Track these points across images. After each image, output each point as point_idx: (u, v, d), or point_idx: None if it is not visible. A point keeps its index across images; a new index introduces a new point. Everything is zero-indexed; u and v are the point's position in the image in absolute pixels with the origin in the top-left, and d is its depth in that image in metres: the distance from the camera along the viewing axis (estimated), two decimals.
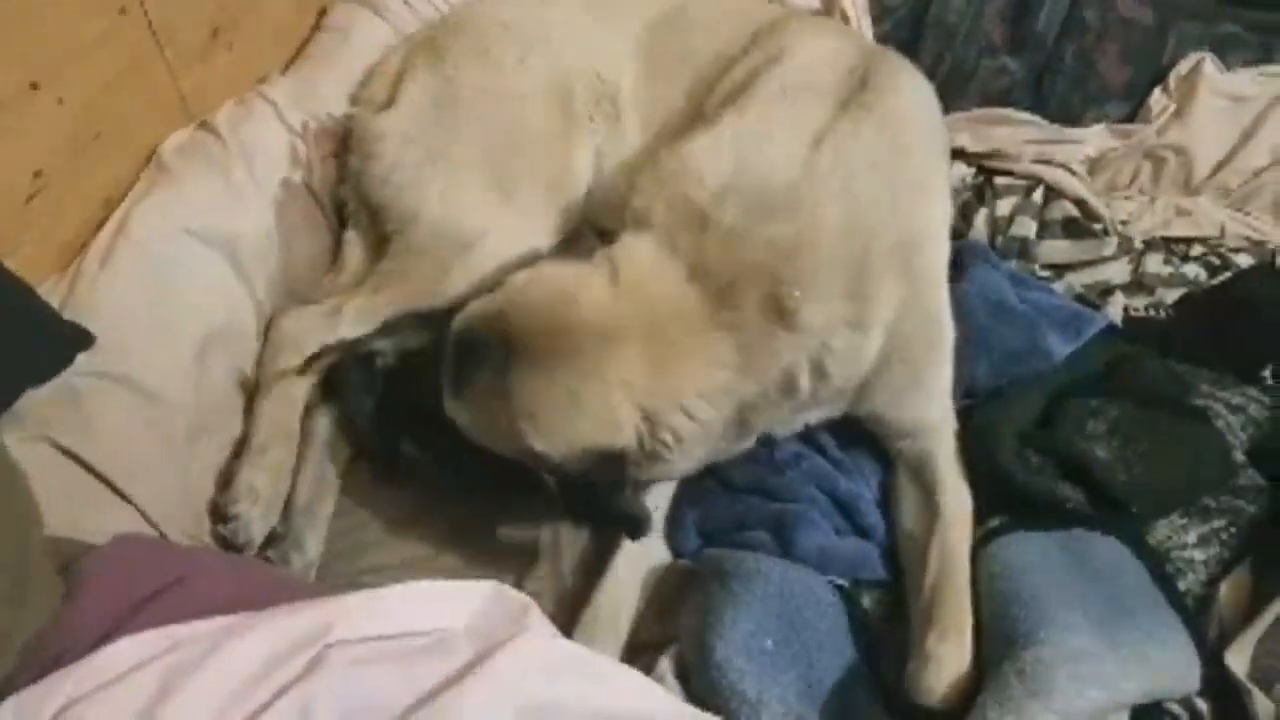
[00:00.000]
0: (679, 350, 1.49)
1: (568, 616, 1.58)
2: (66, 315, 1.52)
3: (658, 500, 1.71)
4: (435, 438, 1.60)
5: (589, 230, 1.72)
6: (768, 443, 1.75)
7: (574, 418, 1.47)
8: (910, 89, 1.82)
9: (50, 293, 1.55)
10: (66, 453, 1.44)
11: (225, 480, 1.67)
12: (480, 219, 1.83)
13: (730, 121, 1.69)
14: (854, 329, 1.55)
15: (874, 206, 1.57)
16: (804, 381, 1.55)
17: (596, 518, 1.54)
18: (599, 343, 1.48)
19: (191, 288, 1.71)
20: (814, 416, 1.70)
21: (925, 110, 1.85)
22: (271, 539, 1.67)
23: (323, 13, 2.33)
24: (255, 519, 1.64)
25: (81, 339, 1.49)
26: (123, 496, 1.47)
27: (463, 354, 1.54)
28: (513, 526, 1.72)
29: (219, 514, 1.64)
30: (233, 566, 1.32)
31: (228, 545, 1.62)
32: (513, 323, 1.51)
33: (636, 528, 1.54)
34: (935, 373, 1.72)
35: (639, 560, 1.64)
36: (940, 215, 1.76)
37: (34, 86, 1.52)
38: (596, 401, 1.47)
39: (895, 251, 1.58)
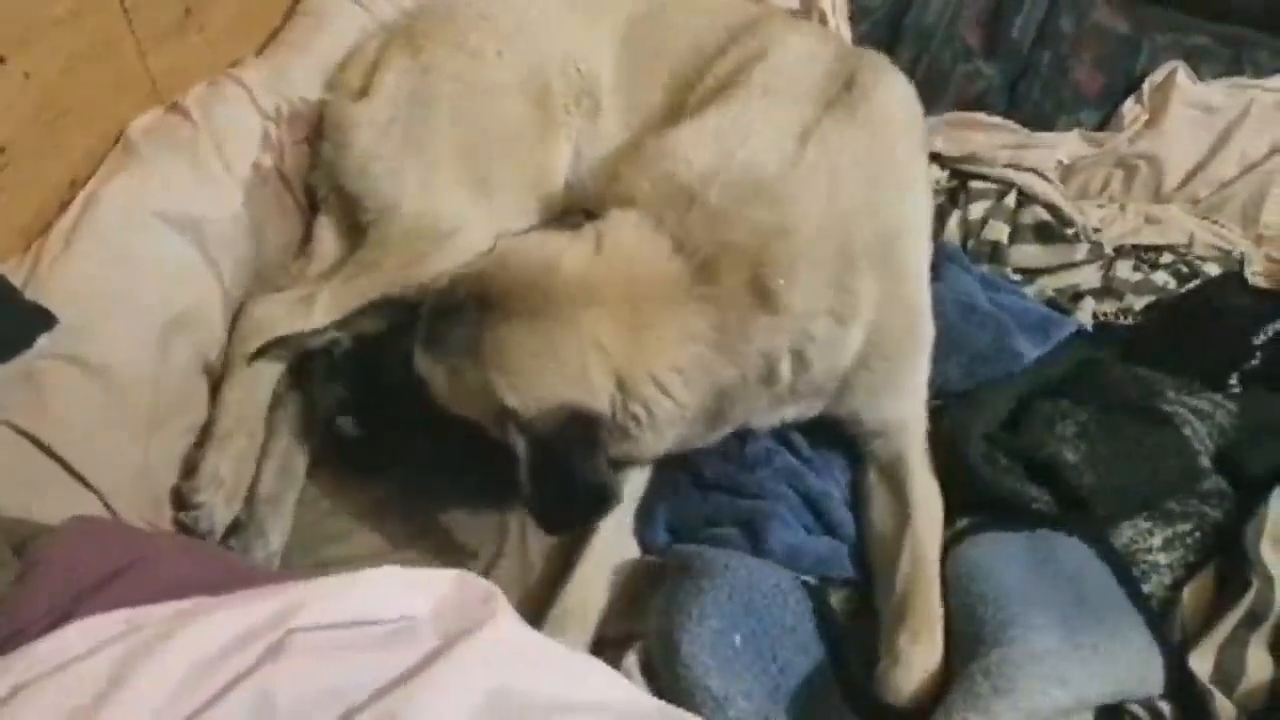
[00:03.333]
0: (655, 319, 1.48)
1: (535, 611, 1.56)
2: (28, 295, 1.49)
3: (630, 494, 1.70)
4: (401, 417, 1.58)
5: (578, 210, 1.70)
6: (743, 436, 1.75)
7: (547, 371, 1.45)
8: (894, 89, 1.84)
9: (12, 273, 1.52)
10: (24, 435, 1.41)
11: (189, 467, 1.65)
12: (457, 211, 1.82)
13: (714, 114, 1.70)
14: (836, 320, 1.55)
15: (857, 203, 1.58)
16: (784, 370, 1.55)
17: (564, 487, 1.48)
18: (577, 302, 1.47)
19: (157, 271, 1.68)
20: (791, 412, 1.69)
21: (908, 111, 1.87)
22: (234, 528, 1.64)
23: None
24: (218, 507, 1.61)
25: (43, 320, 1.47)
26: (81, 480, 1.45)
27: (438, 312, 1.53)
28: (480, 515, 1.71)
29: (181, 501, 1.61)
30: (191, 551, 1.30)
31: (189, 532, 1.60)
32: (492, 282, 1.51)
33: (604, 499, 1.50)
34: (914, 371, 1.72)
35: (607, 555, 1.63)
36: (922, 214, 1.78)
37: (1, 60, 1.49)
38: (571, 356, 1.46)
39: (877, 247, 1.58)
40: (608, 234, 1.55)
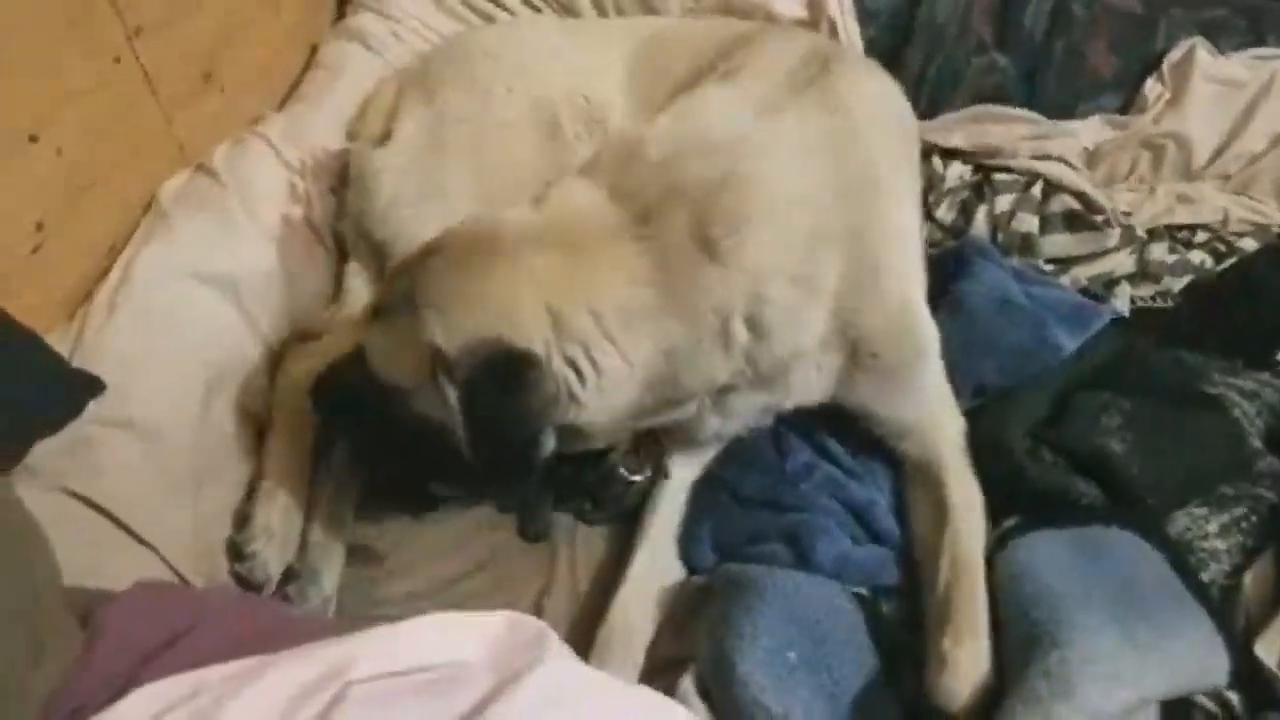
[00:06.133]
0: (593, 256, 1.45)
1: (585, 637, 1.58)
2: (75, 363, 1.53)
3: (670, 514, 1.72)
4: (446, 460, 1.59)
5: None
6: (782, 450, 1.76)
7: (476, 305, 1.41)
8: (867, 84, 1.83)
9: (58, 342, 1.56)
10: (81, 500, 1.44)
11: (240, 519, 1.68)
12: None
13: (672, 105, 1.71)
14: (793, 284, 1.49)
15: (822, 184, 1.56)
16: (739, 329, 1.48)
17: (493, 433, 1.41)
18: (511, 243, 1.45)
19: (197, 330, 1.72)
20: (767, 400, 1.64)
21: (886, 109, 1.85)
22: (288, 575, 1.68)
23: (314, 50, 2.35)
24: (271, 557, 1.64)
25: (92, 386, 1.50)
26: (139, 540, 1.48)
27: (386, 283, 1.53)
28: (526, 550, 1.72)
29: (235, 553, 1.64)
30: (249, 608, 1.32)
31: (245, 583, 1.63)
32: (434, 244, 1.50)
33: (530, 449, 1.43)
34: (914, 372, 1.69)
35: (649, 578, 1.64)
36: (900, 213, 1.71)
37: (33, 139, 1.53)
38: (501, 290, 1.41)
39: (845, 233, 1.55)
40: (549, 195, 1.54)
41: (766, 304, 1.48)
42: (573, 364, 1.43)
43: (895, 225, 1.68)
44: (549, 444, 1.46)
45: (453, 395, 1.40)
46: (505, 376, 1.39)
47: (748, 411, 1.66)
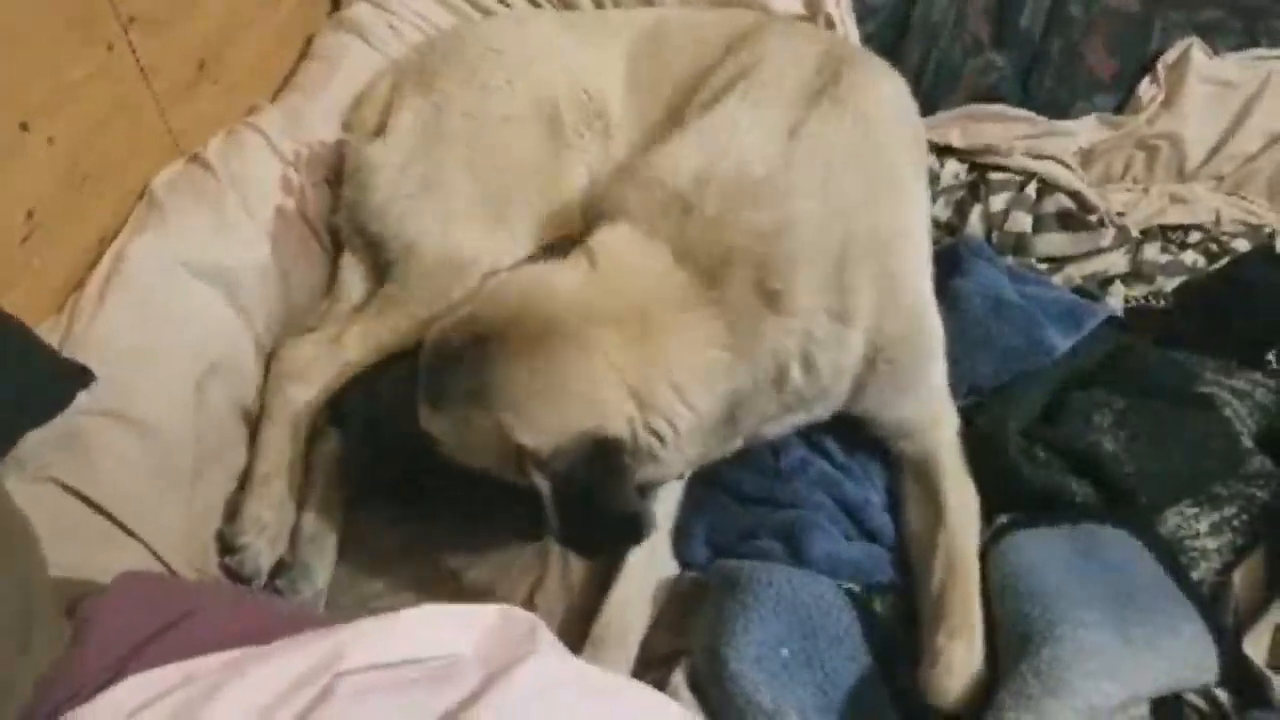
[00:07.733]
0: (667, 328, 1.45)
1: (578, 632, 1.57)
2: (65, 354, 1.52)
3: (665, 511, 1.71)
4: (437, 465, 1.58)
5: (563, 239, 1.70)
6: (776, 448, 1.75)
7: (560, 401, 1.41)
8: (880, 87, 1.83)
9: (48, 333, 1.55)
10: (71, 492, 1.43)
11: (231, 512, 1.68)
12: (476, 244, 1.83)
13: (699, 124, 1.70)
14: (835, 319, 1.53)
15: (851, 201, 1.57)
16: (795, 372, 1.52)
17: (596, 523, 1.44)
18: (579, 325, 1.43)
19: (189, 321, 1.71)
20: (801, 419, 1.67)
21: (900, 110, 1.86)
22: (279, 568, 1.67)
23: (309, 41, 2.34)
24: (262, 550, 1.64)
25: (81, 377, 1.49)
26: (129, 533, 1.46)
27: (436, 364, 1.50)
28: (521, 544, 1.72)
29: (226, 546, 1.64)
30: (238, 600, 1.31)
31: (235, 577, 1.62)
32: (485, 322, 1.47)
33: (638, 528, 1.46)
34: (923, 372, 1.70)
35: (647, 573, 1.63)
36: (917, 216, 1.75)
37: (24, 127, 1.52)
38: (582, 382, 1.42)
39: (872, 245, 1.56)
40: (599, 250, 1.52)
41: (815, 343, 1.52)
42: (655, 433, 1.46)
43: (912, 226, 1.70)
44: (653, 521, 1.50)
45: (546, 487, 1.41)
46: (601, 469, 1.41)
47: (780, 432, 1.69)
